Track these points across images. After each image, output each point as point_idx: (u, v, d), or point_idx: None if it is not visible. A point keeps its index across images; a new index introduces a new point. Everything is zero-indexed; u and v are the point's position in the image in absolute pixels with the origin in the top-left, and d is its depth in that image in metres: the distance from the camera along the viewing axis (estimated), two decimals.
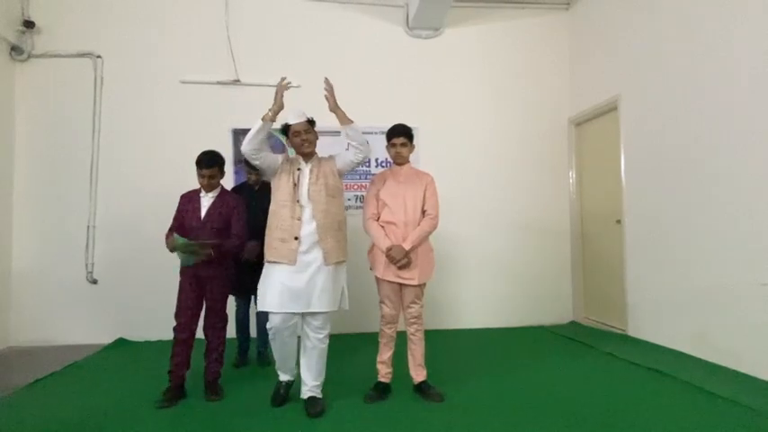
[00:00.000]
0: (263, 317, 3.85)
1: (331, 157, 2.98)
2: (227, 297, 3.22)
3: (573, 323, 5.22)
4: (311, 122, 2.88)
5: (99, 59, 4.88)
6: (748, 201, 3.26)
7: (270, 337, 2.80)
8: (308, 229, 2.76)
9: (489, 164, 5.28)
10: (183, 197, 3.19)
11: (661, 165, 4.05)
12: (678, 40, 3.88)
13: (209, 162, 3.07)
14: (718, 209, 3.50)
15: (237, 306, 3.91)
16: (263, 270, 2.81)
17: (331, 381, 3.04)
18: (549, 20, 5.49)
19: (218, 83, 4.99)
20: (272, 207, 2.84)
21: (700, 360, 3.55)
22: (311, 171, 2.85)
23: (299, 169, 2.85)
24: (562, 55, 5.48)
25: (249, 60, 5.01)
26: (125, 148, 4.85)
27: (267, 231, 2.83)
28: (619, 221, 4.60)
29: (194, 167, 3.10)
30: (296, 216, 2.75)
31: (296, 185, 2.80)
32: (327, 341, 2.86)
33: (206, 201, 3.11)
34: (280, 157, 2.92)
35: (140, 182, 4.73)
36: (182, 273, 3.11)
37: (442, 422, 2.65)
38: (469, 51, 5.36)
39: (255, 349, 3.92)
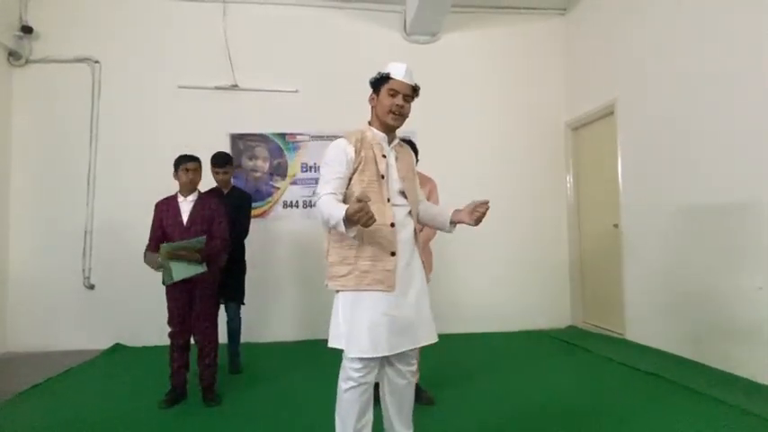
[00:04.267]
0: (234, 322, 3.82)
1: (411, 150, 2.29)
2: (215, 301, 3.22)
3: (571, 327, 5.22)
4: (416, 91, 2.07)
5: (97, 65, 4.89)
6: (745, 204, 3.27)
7: (347, 394, 1.97)
8: (406, 234, 2.03)
9: (486, 168, 5.28)
10: (159, 204, 3.14)
11: (658, 168, 4.06)
12: (674, 43, 3.89)
13: (193, 156, 3.12)
14: (715, 212, 3.50)
15: None
16: (346, 301, 1.97)
17: (330, 386, 3.02)
18: (546, 25, 5.52)
19: (216, 88, 5.00)
20: None
21: (698, 364, 3.54)
22: (397, 159, 2.10)
23: (384, 156, 2.04)
24: (559, 59, 5.50)
25: (247, 65, 5.02)
26: (122, 154, 4.85)
27: (342, 244, 1.99)
28: (616, 225, 4.60)
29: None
30: (388, 221, 1.96)
31: (383, 177, 1.99)
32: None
33: (186, 205, 3.09)
34: (348, 151, 1.98)
35: (138, 187, 4.71)
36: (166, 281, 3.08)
37: (441, 425, 2.64)
38: (467, 56, 5.38)
39: (227, 355, 3.80)
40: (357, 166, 1.98)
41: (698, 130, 3.66)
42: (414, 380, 2.14)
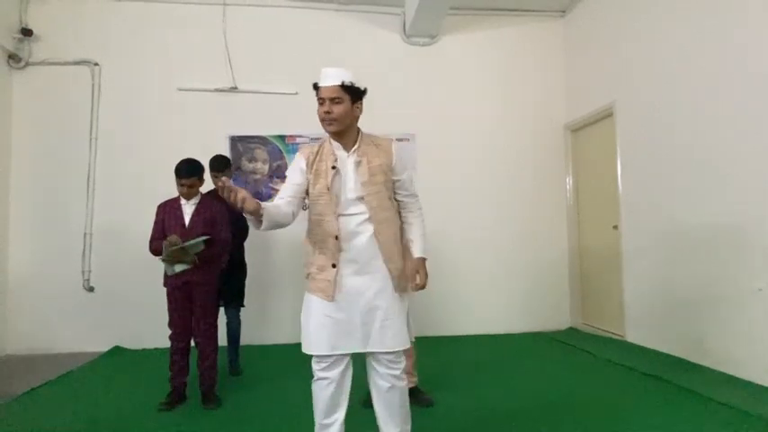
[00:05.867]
0: (234, 324, 3.82)
1: (390, 143, 2.15)
2: (216, 303, 3.22)
3: (571, 329, 5.22)
4: (349, 88, 2.02)
5: (96, 67, 4.89)
6: (745, 205, 3.27)
7: (312, 386, 2.08)
8: (359, 242, 2.02)
9: (486, 170, 5.29)
10: (161, 206, 3.14)
11: (658, 170, 4.06)
12: (673, 46, 3.90)
13: (189, 172, 3.04)
14: (714, 214, 3.51)
15: None
16: (305, 301, 2.11)
17: None
18: (545, 27, 5.53)
19: (216, 90, 5.00)
20: (311, 219, 2.12)
21: (698, 366, 3.54)
22: (358, 164, 2.05)
23: (333, 167, 2.04)
24: (558, 61, 5.51)
25: (246, 68, 5.03)
26: (122, 156, 4.86)
27: (304, 251, 2.15)
28: (616, 227, 4.60)
29: None
30: (333, 233, 2.01)
31: (329, 189, 2.02)
32: (405, 380, 2.13)
33: (188, 208, 3.09)
34: (301, 165, 2.09)
35: (137, 189, 4.71)
36: (166, 283, 3.08)
37: (441, 425, 2.64)
38: (466, 58, 5.38)
39: (227, 357, 3.79)
40: (310, 180, 2.07)
41: (697, 131, 3.66)
42: (401, 384, 2.10)
